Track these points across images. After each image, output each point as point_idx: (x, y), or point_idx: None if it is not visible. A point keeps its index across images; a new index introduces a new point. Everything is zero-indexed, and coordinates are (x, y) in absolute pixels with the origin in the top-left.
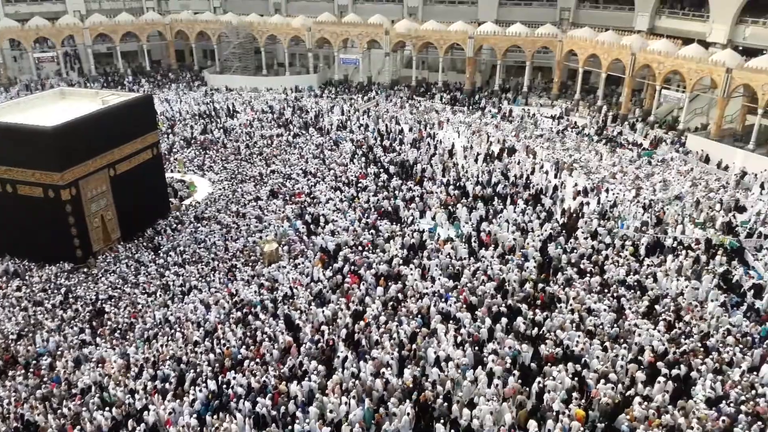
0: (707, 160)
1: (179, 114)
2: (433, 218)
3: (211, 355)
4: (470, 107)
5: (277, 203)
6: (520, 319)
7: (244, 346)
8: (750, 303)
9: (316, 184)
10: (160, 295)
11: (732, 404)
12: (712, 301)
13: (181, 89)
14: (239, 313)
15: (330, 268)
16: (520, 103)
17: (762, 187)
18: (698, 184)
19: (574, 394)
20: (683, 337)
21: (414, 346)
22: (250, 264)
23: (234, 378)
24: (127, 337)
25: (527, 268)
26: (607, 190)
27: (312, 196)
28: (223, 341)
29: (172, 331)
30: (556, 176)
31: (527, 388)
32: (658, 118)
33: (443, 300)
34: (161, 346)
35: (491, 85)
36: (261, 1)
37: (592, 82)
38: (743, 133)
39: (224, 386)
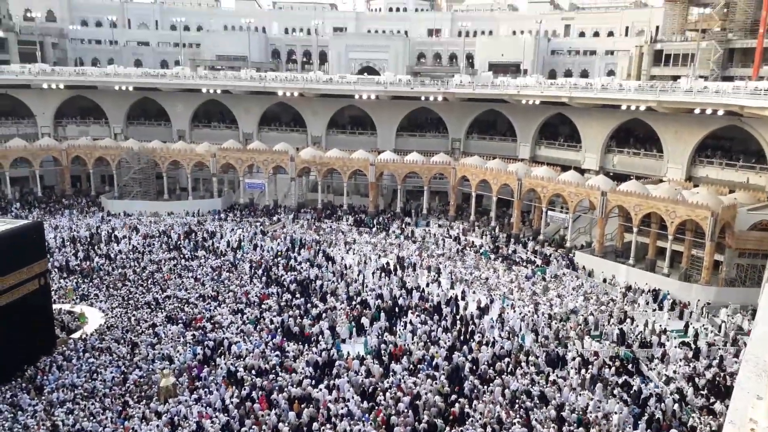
0: (594, 275)
1: (55, 240)
2: (335, 335)
3: None
4: (375, 228)
5: (175, 330)
6: None
7: None
8: (650, 413)
9: (216, 307)
10: None
11: None
12: (615, 413)
13: (75, 215)
14: None
15: (237, 395)
16: (422, 225)
17: (655, 300)
18: (590, 299)
19: None
20: None
21: None
22: (145, 399)
23: None
24: None
25: (437, 378)
26: (513, 307)
27: (213, 320)
28: None
29: None
30: (464, 294)
31: None
32: (547, 237)
33: (360, 421)
34: None
35: (393, 207)
36: (164, 128)
37: (485, 205)
38: (623, 249)
39: None
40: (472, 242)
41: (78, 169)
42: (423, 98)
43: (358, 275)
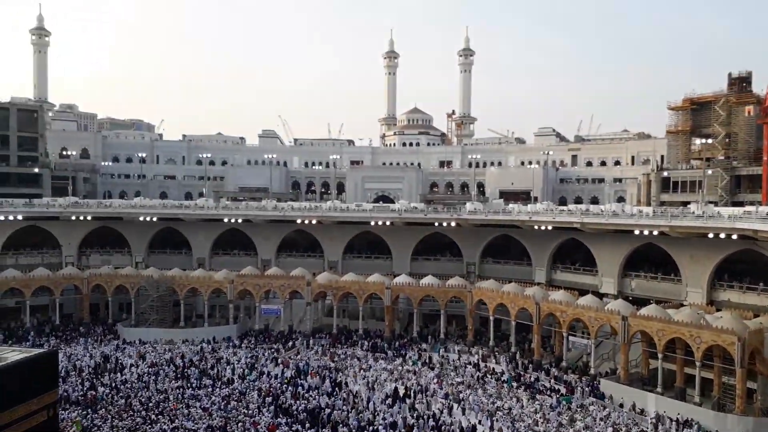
0: (630, 407)
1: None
2: None
3: None
4: (391, 353)
5: None
6: None
7: None
8: None
9: None
10: None
11: None
12: None
13: (91, 343)
14: None
15: None
16: (439, 350)
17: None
18: (619, 430)
19: None
20: None
21: None
22: None
23: None
24: None
25: None
26: None
27: None
28: None
29: None
30: (484, 424)
31: None
32: (570, 363)
33: None
34: None
35: (410, 332)
36: (184, 256)
37: (503, 329)
38: (650, 377)
39: None
40: (493, 369)
41: (97, 297)
42: (437, 224)
43: (368, 403)
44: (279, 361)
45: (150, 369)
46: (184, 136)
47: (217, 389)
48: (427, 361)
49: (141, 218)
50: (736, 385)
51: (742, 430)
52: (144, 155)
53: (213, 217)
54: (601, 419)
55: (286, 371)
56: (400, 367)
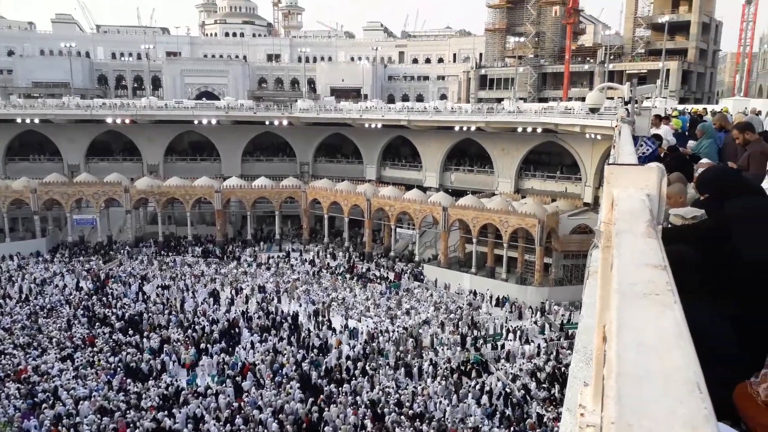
0: (446, 286)
1: None
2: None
3: None
4: (224, 258)
5: None
6: None
7: None
8: (501, 410)
9: (41, 355)
10: None
11: None
12: (469, 416)
13: None
14: None
15: None
16: (274, 250)
17: (498, 304)
18: (440, 308)
19: None
20: None
21: None
22: None
23: None
24: None
25: (291, 389)
26: (376, 325)
27: (39, 370)
28: None
29: None
30: (319, 313)
31: None
32: (398, 253)
33: None
34: None
35: (243, 234)
36: None
37: (338, 226)
38: (466, 259)
39: None
40: (328, 264)
41: None
42: (267, 123)
43: (182, 305)
44: (88, 273)
45: None
46: None
47: (11, 306)
48: (262, 262)
49: None
50: (535, 261)
51: (539, 298)
52: None
53: (2, 117)
54: (424, 300)
55: (89, 283)
56: (234, 270)
